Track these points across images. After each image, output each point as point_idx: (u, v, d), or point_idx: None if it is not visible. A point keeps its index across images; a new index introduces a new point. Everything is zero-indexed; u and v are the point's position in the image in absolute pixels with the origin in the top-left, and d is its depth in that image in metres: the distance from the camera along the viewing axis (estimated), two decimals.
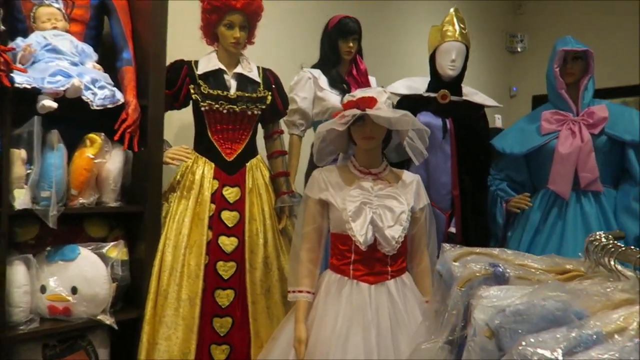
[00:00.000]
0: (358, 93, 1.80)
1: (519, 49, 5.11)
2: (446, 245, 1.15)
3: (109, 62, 2.03)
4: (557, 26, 4.91)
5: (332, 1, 3.24)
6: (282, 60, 2.80)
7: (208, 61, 2.14)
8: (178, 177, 2.11)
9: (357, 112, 1.70)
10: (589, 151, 1.96)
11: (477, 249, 1.07)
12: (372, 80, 2.56)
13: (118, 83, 1.97)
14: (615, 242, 0.95)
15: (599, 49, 4.45)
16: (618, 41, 4.58)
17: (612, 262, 0.95)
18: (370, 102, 1.72)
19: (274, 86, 2.23)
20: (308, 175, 2.35)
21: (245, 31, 2.11)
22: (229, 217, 2.05)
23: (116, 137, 1.87)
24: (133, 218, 2.02)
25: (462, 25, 2.32)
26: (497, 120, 3.99)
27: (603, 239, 1.03)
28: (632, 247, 0.93)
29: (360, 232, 1.65)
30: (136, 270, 1.96)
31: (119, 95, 1.91)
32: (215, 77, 2.11)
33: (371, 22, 3.52)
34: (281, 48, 2.95)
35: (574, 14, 4.84)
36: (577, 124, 2.03)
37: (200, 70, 2.11)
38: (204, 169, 2.09)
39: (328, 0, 3.24)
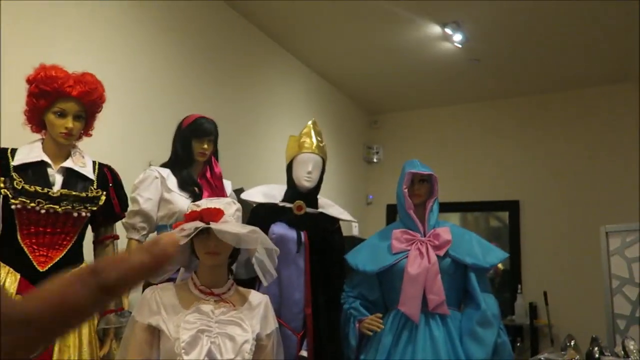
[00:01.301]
0: (203, 203, 1.63)
1: (374, 160, 5.47)
2: None
3: None
4: (409, 139, 5.41)
5: (190, 100, 3.14)
6: (129, 156, 2.55)
7: (29, 151, 1.82)
8: None
9: (199, 224, 1.51)
10: (435, 273, 1.99)
11: None
12: (227, 184, 2.41)
13: None
14: None
15: (448, 163, 4.93)
16: (468, 156, 5.14)
17: None
18: (216, 214, 1.56)
19: (111, 185, 1.96)
20: (148, 286, 2.05)
21: (81, 121, 1.86)
22: None
23: None
24: None
25: (319, 138, 2.34)
26: (354, 229, 4.07)
27: None
28: None
29: None
30: None
31: None
32: (35, 171, 1.78)
33: (233, 125, 3.48)
34: (129, 143, 2.71)
35: (423, 129, 5.39)
36: (424, 244, 2.07)
37: (18, 160, 1.78)
38: (5, 282, 1.68)
39: (186, 98, 3.14)
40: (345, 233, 2.58)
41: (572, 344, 1.96)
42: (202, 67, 3.36)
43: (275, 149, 3.71)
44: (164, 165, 2.27)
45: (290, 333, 2.06)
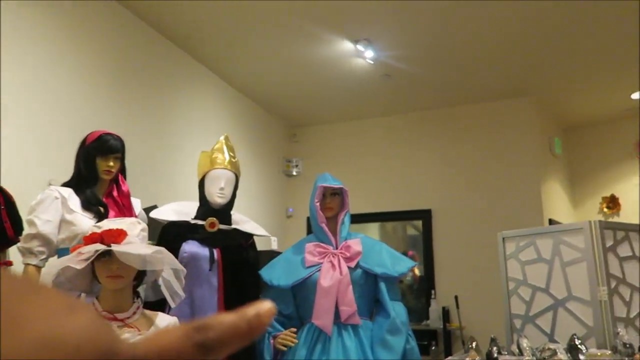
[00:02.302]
0: (105, 224, 1.56)
1: (294, 173, 5.51)
2: None
3: None
4: (327, 153, 5.52)
5: (96, 115, 3.01)
6: (28, 175, 2.39)
7: None
8: None
9: (100, 247, 1.45)
10: (347, 284, 2.04)
11: None
12: (136, 202, 2.33)
13: None
14: None
15: (365, 175, 5.07)
16: (384, 168, 5.32)
17: None
18: (119, 235, 1.50)
19: (2, 207, 1.83)
20: None
21: None
22: None
23: None
24: None
25: (231, 154, 2.33)
26: (273, 243, 4.06)
27: None
28: None
29: None
30: None
31: None
32: None
33: (144, 141, 3.37)
34: (27, 161, 2.54)
35: (341, 142, 5.53)
36: (336, 256, 2.12)
37: None
38: None
39: (91, 113, 3.00)
40: (264, 247, 2.57)
41: (473, 345, 2.09)
42: (110, 81, 3.23)
43: (191, 165, 3.63)
44: (66, 185, 2.15)
45: None
